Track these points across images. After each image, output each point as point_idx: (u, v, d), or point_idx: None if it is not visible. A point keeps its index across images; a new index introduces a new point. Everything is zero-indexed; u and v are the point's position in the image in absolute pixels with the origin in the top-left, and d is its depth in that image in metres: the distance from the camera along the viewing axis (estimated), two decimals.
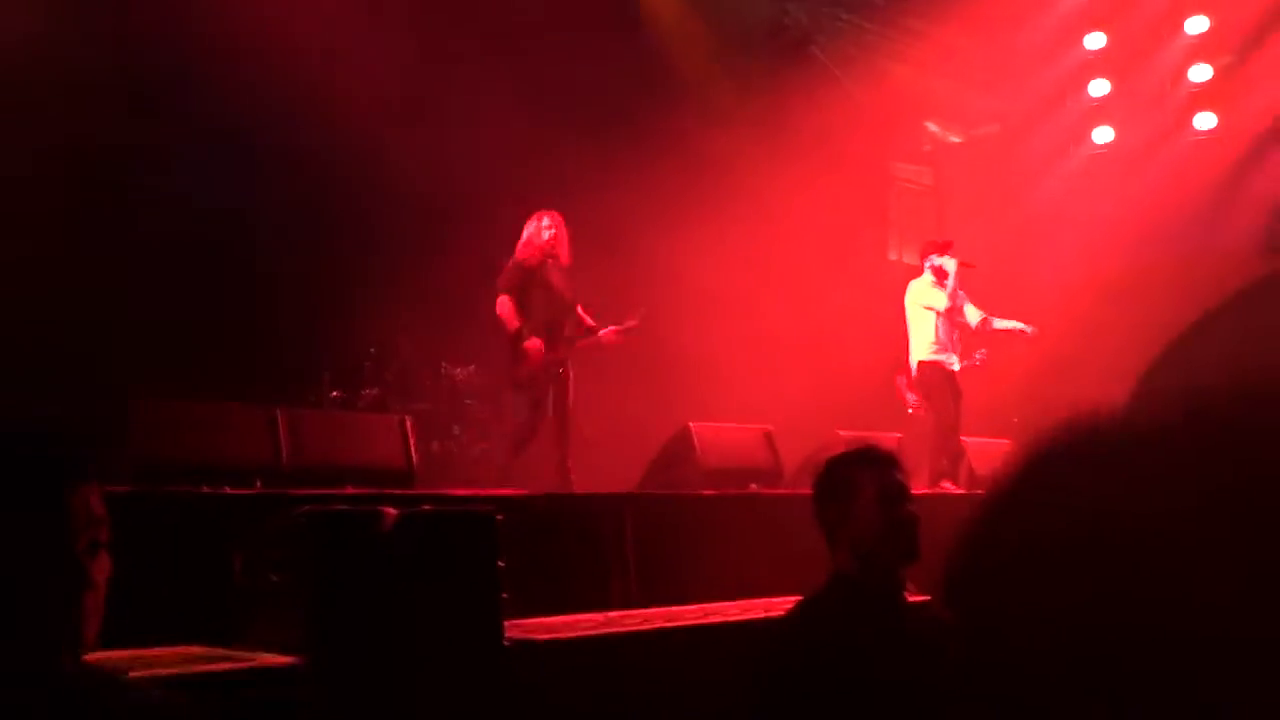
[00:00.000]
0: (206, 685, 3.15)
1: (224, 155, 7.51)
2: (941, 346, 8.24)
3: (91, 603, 1.56)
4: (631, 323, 7.22)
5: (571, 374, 7.10)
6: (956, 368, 8.32)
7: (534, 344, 6.98)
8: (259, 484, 4.67)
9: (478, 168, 8.48)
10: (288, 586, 3.80)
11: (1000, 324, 8.56)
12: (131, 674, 3.03)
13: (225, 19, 7.33)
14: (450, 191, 8.41)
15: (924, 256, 8.48)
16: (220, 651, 3.58)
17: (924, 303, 8.25)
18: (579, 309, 7.29)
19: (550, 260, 7.15)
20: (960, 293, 8.34)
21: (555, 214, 7.27)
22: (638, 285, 7.61)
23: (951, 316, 8.28)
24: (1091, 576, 0.55)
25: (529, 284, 7.13)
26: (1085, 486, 0.58)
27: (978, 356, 8.76)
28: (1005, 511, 0.62)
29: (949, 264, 8.26)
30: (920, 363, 8.28)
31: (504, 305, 7.10)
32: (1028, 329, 8.48)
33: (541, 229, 7.18)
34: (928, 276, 8.36)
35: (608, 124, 8.99)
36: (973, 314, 8.47)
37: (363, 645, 3.66)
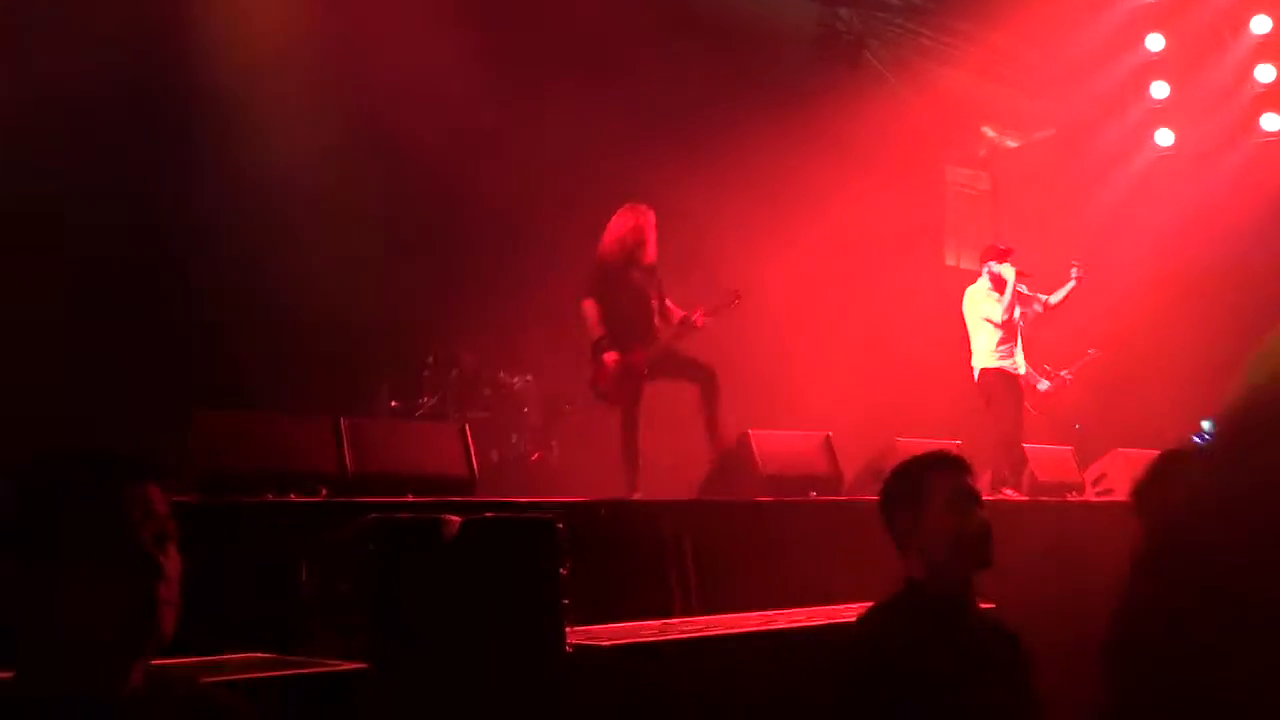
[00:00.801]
0: (273, 690, 3.18)
1: (280, 163, 7.59)
2: (1003, 353, 8.16)
3: (165, 594, 1.58)
4: (720, 302, 7.20)
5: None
6: (1021, 372, 8.25)
7: (610, 357, 6.99)
8: (324, 492, 4.71)
9: (537, 175, 8.52)
10: (353, 594, 3.83)
11: (1056, 298, 8.53)
12: (201, 679, 3.07)
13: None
14: (509, 199, 8.46)
15: (983, 261, 8.40)
16: (287, 659, 3.61)
17: (982, 314, 8.18)
18: (667, 303, 7.22)
19: (633, 259, 7.09)
20: (1018, 305, 8.26)
21: (641, 208, 7.18)
22: (696, 291, 7.59)
23: (1011, 325, 8.19)
24: None
25: (611, 287, 7.09)
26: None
27: (1064, 375, 8.81)
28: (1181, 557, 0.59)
29: (1008, 272, 8.17)
30: (982, 370, 8.20)
31: (587, 311, 7.10)
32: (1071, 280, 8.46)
33: (625, 225, 7.12)
34: (984, 283, 8.28)
35: (670, 130, 9.00)
36: (1036, 307, 8.45)
37: (427, 651, 3.68)
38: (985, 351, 8.18)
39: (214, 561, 4.07)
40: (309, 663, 3.52)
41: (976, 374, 8.25)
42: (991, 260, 8.30)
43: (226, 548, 4.19)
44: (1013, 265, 8.21)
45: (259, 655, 3.65)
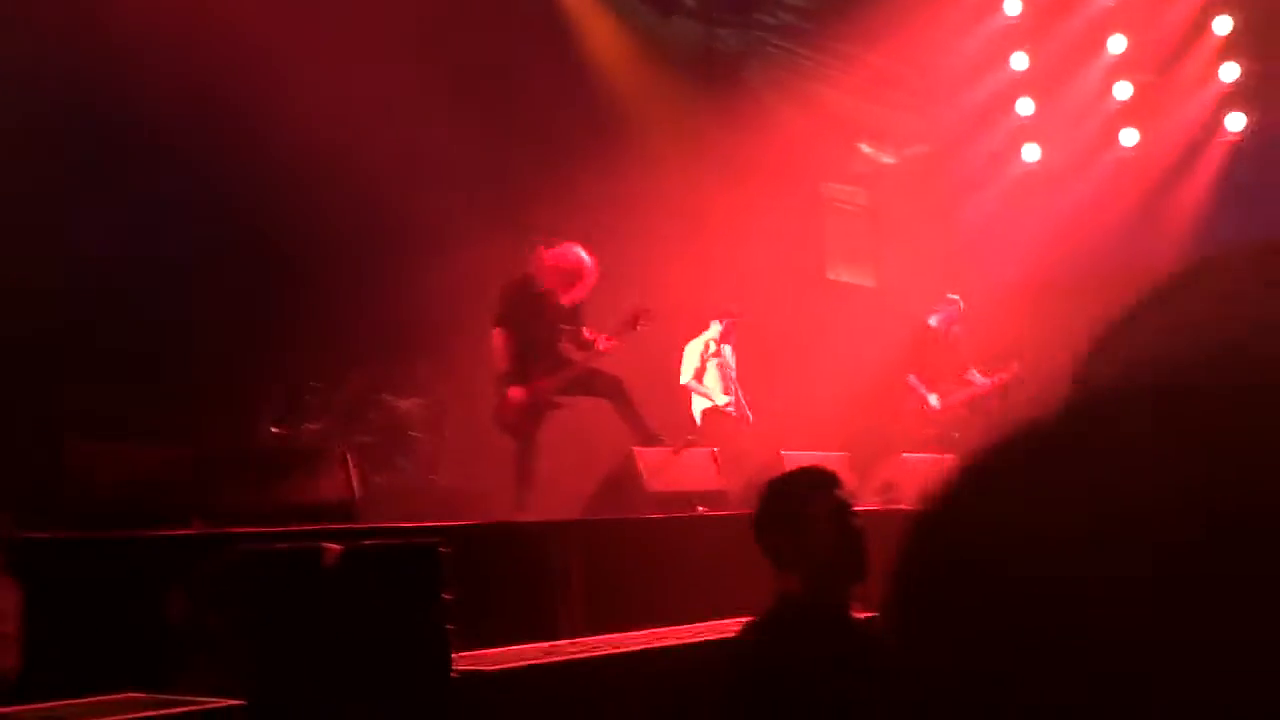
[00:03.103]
0: None
1: (154, 184, 7.40)
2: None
3: (5, 627, 1.53)
4: (624, 323, 7.29)
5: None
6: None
7: (515, 393, 7.05)
8: (197, 523, 4.58)
9: (424, 198, 8.44)
10: (228, 628, 3.73)
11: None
12: None
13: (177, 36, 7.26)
14: (398, 221, 8.36)
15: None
16: (161, 697, 3.50)
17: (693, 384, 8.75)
18: (582, 330, 7.29)
19: (558, 294, 7.16)
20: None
21: (584, 259, 7.26)
22: (593, 311, 7.62)
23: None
24: (1032, 595, 0.54)
25: (522, 315, 7.13)
26: (1022, 498, 0.57)
27: (979, 378, 9.18)
28: (936, 530, 0.61)
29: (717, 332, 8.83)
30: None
31: (496, 340, 7.15)
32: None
33: (571, 267, 7.18)
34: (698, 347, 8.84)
35: (553, 152, 9.01)
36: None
37: (309, 684, 3.61)
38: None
39: (84, 598, 3.94)
40: (183, 701, 3.42)
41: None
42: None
43: (97, 583, 4.05)
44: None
45: (132, 695, 3.54)
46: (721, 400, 8.67)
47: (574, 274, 7.16)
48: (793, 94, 11.25)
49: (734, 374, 8.81)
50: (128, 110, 7.24)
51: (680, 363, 8.79)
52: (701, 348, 8.72)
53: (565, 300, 7.18)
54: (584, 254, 7.27)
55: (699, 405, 8.65)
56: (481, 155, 8.68)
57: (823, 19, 11.18)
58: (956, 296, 9.78)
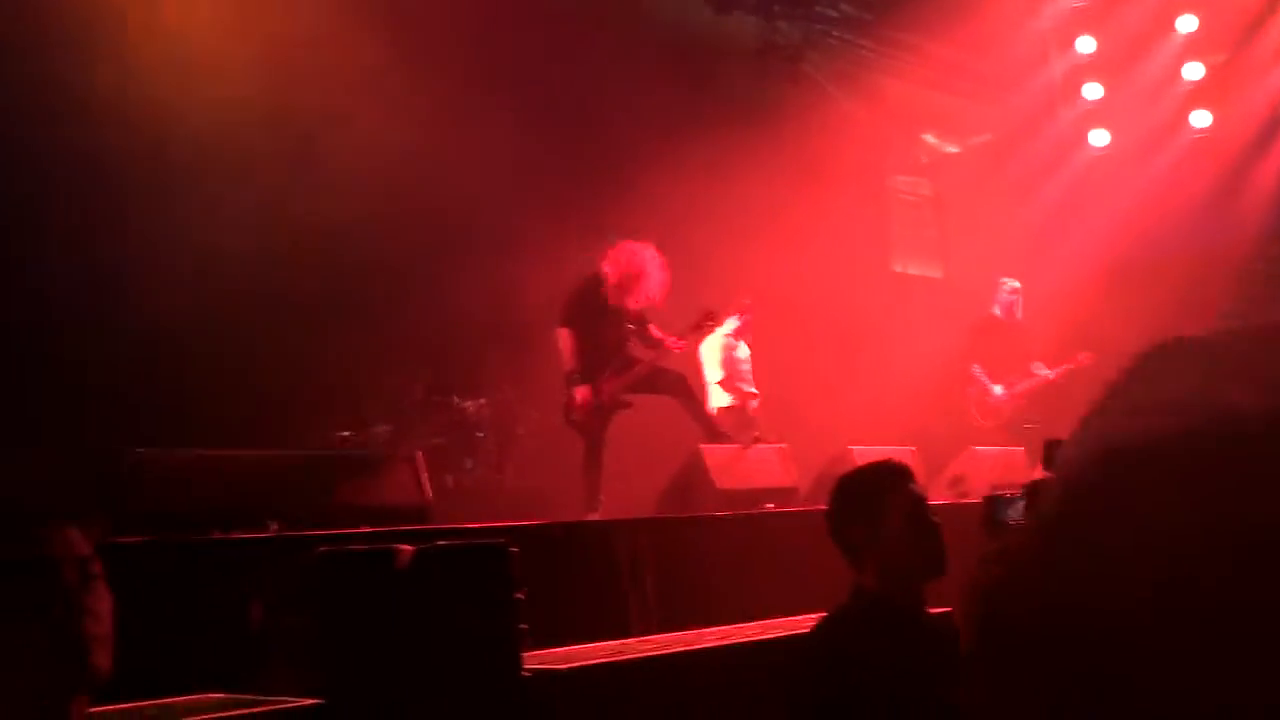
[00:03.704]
0: None
1: (221, 196, 7.53)
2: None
3: (92, 629, 1.58)
4: (695, 323, 7.36)
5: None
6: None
7: (582, 393, 7.07)
8: (274, 527, 4.66)
9: (490, 199, 8.51)
10: (306, 629, 3.79)
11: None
12: None
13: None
14: (462, 223, 8.45)
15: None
16: (241, 697, 3.56)
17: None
18: (651, 329, 7.29)
19: (623, 293, 7.18)
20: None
21: (644, 247, 7.27)
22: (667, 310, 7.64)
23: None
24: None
25: (588, 314, 7.16)
26: (1084, 555, 0.57)
27: (1046, 372, 9.02)
28: (1013, 590, 0.61)
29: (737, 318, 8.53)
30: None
31: (562, 340, 7.17)
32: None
33: (631, 263, 7.20)
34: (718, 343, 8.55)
35: (617, 151, 9.03)
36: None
37: (383, 684, 3.65)
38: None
39: (163, 602, 4.02)
40: (263, 701, 3.48)
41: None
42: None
43: (175, 587, 4.14)
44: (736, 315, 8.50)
45: (213, 696, 3.61)
46: (728, 399, 8.43)
47: (637, 274, 7.17)
48: (854, 86, 11.16)
49: (747, 369, 8.58)
50: (201, 119, 7.38)
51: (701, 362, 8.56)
52: (721, 344, 8.51)
53: (630, 302, 7.19)
54: (649, 254, 7.26)
55: (717, 401, 8.46)
56: (547, 155, 8.72)
57: (882, 9, 11.07)
58: (1016, 282, 9.63)
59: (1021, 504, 3.43)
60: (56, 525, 1.62)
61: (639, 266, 7.19)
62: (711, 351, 8.51)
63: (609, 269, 7.22)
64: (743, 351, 8.59)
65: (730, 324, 8.47)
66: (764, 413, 8.42)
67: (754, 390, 8.53)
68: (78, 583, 1.59)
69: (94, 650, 1.58)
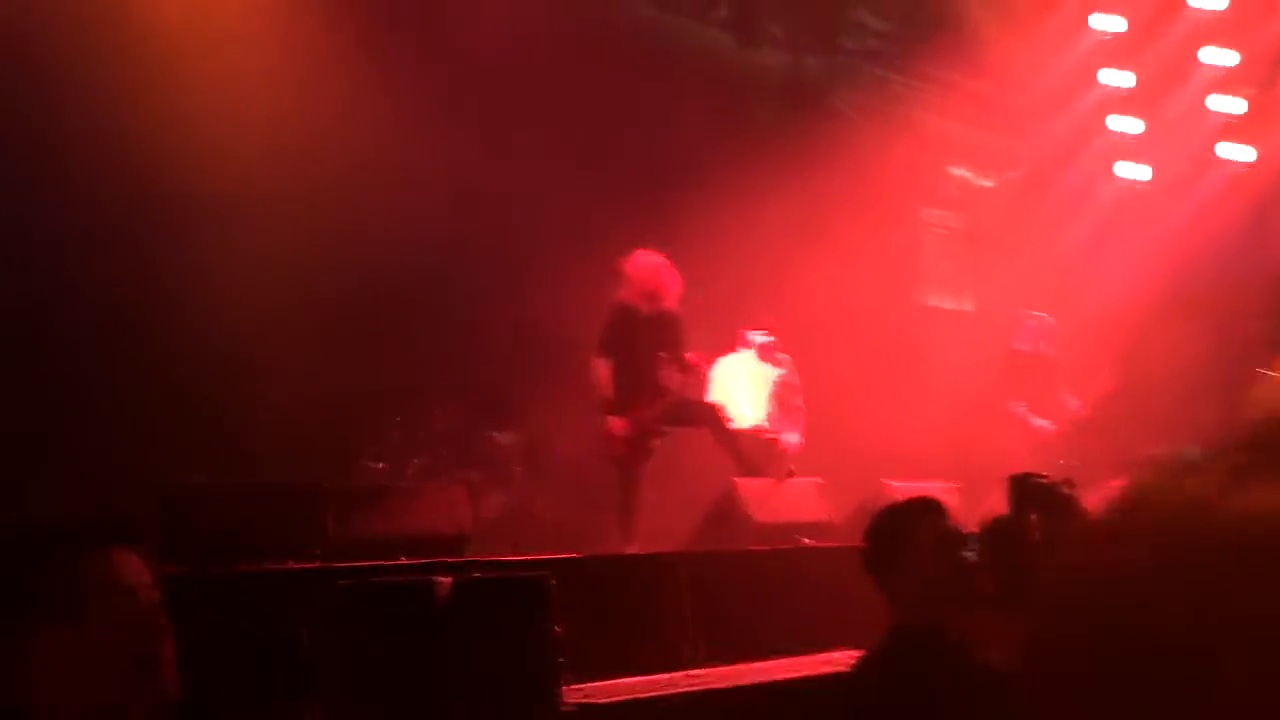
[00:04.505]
0: None
1: (247, 231, 7.59)
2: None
3: (169, 651, 1.61)
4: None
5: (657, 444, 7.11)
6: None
7: (617, 425, 6.97)
8: (315, 559, 4.69)
9: (516, 231, 8.56)
10: (344, 659, 3.81)
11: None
12: None
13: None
14: (490, 254, 8.49)
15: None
16: None
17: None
18: (684, 356, 7.20)
19: (649, 308, 7.09)
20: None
21: (650, 255, 7.24)
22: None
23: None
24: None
25: (621, 342, 7.10)
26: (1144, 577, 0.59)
27: (1073, 403, 8.88)
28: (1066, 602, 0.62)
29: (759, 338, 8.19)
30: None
31: (597, 370, 7.11)
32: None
33: (643, 273, 7.16)
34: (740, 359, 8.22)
35: (646, 184, 9.07)
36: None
37: (422, 714, 3.66)
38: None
39: (207, 632, 4.06)
40: None
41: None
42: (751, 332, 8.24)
43: (220, 618, 4.17)
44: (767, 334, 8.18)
45: None
46: (748, 421, 8.01)
47: (654, 278, 7.12)
48: (883, 119, 11.18)
49: (773, 391, 8.13)
50: (234, 143, 7.47)
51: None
52: (735, 366, 8.15)
53: (653, 309, 7.09)
54: (661, 260, 7.22)
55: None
56: (578, 188, 8.77)
57: (910, 43, 11.12)
58: (1040, 313, 9.59)
59: (977, 542, 3.42)
60: (121, 549, 1.66)
61: (652, 269, 7.15)
62: (722, 375, 8.11)
63: (628, 285, 7.18)
64: (765, 374, 8.19)
65: (751, 346, 8.14)
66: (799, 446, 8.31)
67: (763, 415, 8.12)
68: (144, 605, 1.62)
69: (162, 672, 1.61)
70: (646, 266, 7.19)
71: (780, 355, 8.19)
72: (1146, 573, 0.59)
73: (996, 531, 3.39)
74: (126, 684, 1.58)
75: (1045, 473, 2.97)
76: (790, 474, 7.20)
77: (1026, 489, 2.92)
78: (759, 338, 8.09)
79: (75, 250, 6.92)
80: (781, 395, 8.13)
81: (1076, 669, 0.59)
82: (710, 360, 7.26)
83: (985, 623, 3.05)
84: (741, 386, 8.09)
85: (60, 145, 6.89)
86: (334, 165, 7.78)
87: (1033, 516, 2.88)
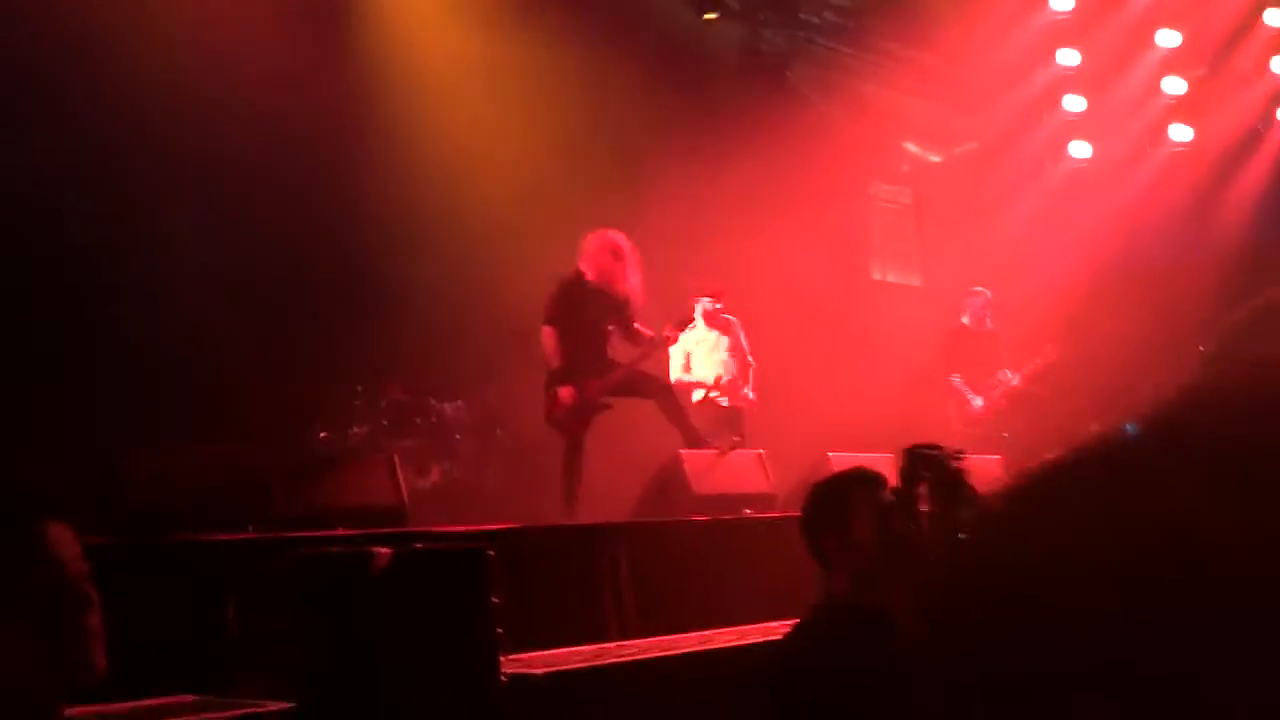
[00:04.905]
0: None
1: (199, 196, 7.51)
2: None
3: (86, 625, 1.58)
4: (685, 317, 7.50)
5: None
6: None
7: (566, 392, 7.04)
8: (250, 529, 4.65)
9: (469, 201, 8.49)
10: (281, 631, 3.78)
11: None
12: None
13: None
14: (442, 228, 8.43)
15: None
16: (216, 700, 3.55)
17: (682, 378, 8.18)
18: (636, 326, 7.31)
19: (603, 286, 7.20)
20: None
21: (612, 235, 7.30)
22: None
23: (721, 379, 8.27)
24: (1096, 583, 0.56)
25: (572, 313, 7.15)
26: (1053, 527, 0.59)
27: (1010, 378, 9.01)
28: (977, 548, 0.63)
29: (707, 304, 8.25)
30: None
31: (546, 338, 7.14)
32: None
33: (602, 252, 7.22)
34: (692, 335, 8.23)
35: (599, 153, 9.03)
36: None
37: (359, 688, 3.64)
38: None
39: (139, 601, 4.00)
40: (239, 704, 3.47)
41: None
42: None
43: (153, 587, 4.12)
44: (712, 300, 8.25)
45: (186, 698, 3.60)
46: (704, 386, 8.20)
47: (611, 253, 7.20)
48: (837, 93, 11.20)
49: (727, 354, 8.27)
50: (197, 122, 7.38)
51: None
52: (687, 334, 8.11)
53: (618, 287, 7.19)
54: (621, 239, 7.31)
55: (695, 395, 8.22)
56: (526, 157, 8.72)
57: (867, 17, 11.11)
58: (983, 289, 9.71)
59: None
60: (47, 523, 1.62)
61: (609, 243, 7.25)
62: (676, 350, 8.15)
63: (588, 260, 7.24)
64: (717, 339, 8.29)
65: (698, 311, 8.17)
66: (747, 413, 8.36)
67: (723, 377, 8.24)
68: (71, 580, 1.59)
69: (89, 647, 1.58)
70: (602, 242, 7.23)
71: (728, 317, 8.37)
72: (1054, 547, 0.59)
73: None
74: (53, 657, 1.55)
75: (942, 445, 2.97)
76: (735, 445, 7.24)
77: (916, 461, 2.92)
78: (707, 304, 8.21)
79: (24, 218, 6.80)
80: (735, 357, 8.34)
81: (981, 640, 0.59)
82: (679, 332, 7.33)
83: (874, 593, 3.07)
84: (696, 353, 8.24)
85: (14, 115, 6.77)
86: (287, 137, 7.69)
87: (921, 489, 2.88)
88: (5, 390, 6.43)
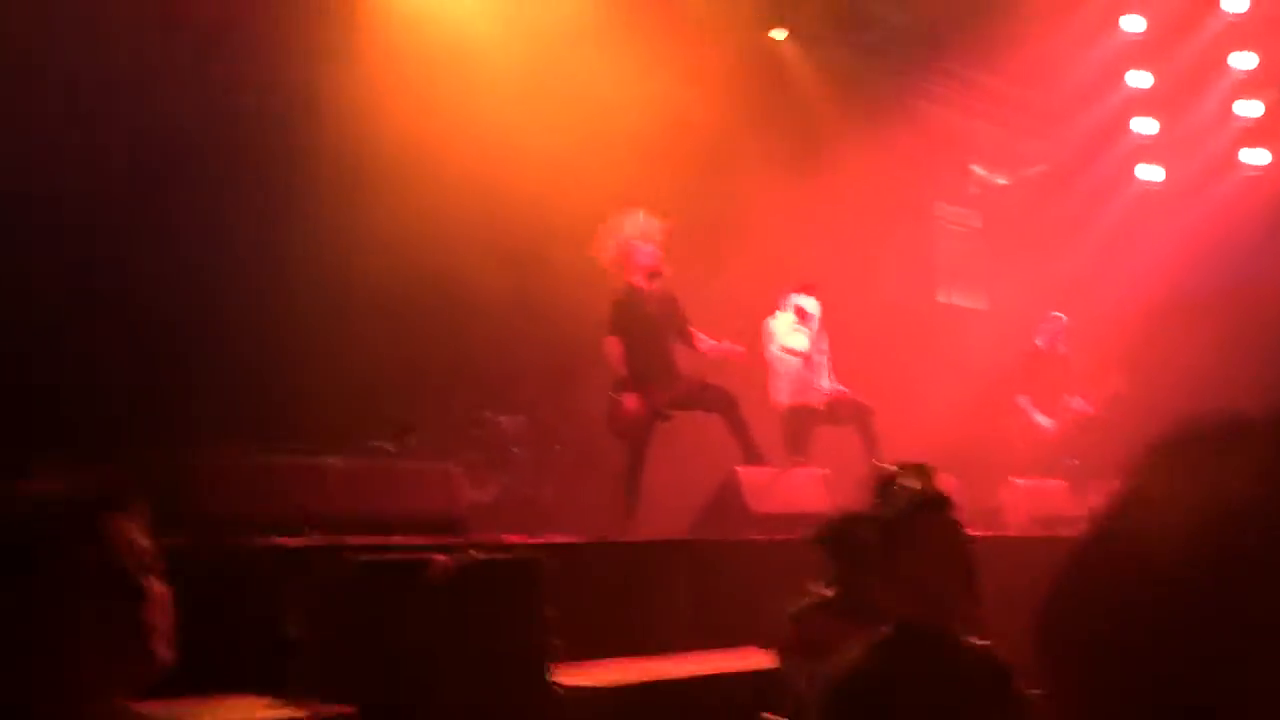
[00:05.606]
0: None
1: (273, 205, 7.61)
2: (805, 385, 7.96)
3: (153, 615, 1.59)
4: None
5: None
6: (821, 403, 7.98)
7: (631, 400, 6.98)
8: (311, 534, 4.69)
9: (527, 211, 8.52)
10: (338, 635, 3.81)
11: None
12: None
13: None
14: (500, 238, 8.46)
15: (790, 293, 8.17)
16: (276, 701, 3.59)
17: (784, 344, 7.98)
18: (690, 330, 7.23)
19: (650, 285, 7.09)
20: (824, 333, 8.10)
21: (619, 223, 7.26)
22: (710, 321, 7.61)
23: (812, 358, 8.01)
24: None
25: (632, 322, 7.08)
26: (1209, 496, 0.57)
27: (1079, 404, 8.89)
28: (1108, 546, 0.61)
29: (810, 304, 8.02)
30: (789, 408, 7.92)
31: (611, 348, 7.10)
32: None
33: (638, 246, 7.14)
34: (789, 316, 8.09)
35: (665, 168, 9.02)
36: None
37: (413, 693, 3.65)
38: (784, 389, 7.94)
39: (202, 604, 4.05)
40: (298, 706, 3.50)
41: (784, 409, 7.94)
42: (794, 294, 8.09)
43: (215, 590, 4.17)
44: (817, 297, 8.04)
45: (246, 698, 3.63)
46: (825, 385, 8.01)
47: (624, 246, 7.12)
48: (905, 115, 11.13)
49: (824, 352, 8.08)
50: (257, 118, 7.49)
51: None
52: (790, 321, 8.01)
53: (638, 279, 7.09)
54: (628, 221, 7.23)
55: (781, 392, 8.01)
56: (585, 172, 8.73)
57: (934, 39, 11.05)
58: (1060, 314, 9.58)
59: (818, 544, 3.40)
60: (116, 518, 1.64)
61: (620, 236, 7.17)
62: (782, 328, 7.97)
63: (623, 254, 7.19)
64: (815, 333, 8.01)
65: (795, 303, 7.97)
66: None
67: (827, 386, 8.02)
68: (140, 572, 1.61)
69: (155, 639, 1.59)
70: (620, 244, 7.16)
71: (813, 312, 8.10)
72: (1156, 572, 0.57)
73: (835, 531, 3.36)
74: (106, 649, 1.57)
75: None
76: (795, 464, 7.17)
77: (880, 483, 2.81)
78: (800, 299, 8.01)
79: (74, 221, 6.92)
80: (826, 351, 8.13)
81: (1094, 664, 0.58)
82: (738, 346, 7.23)
83: (824, 626, 3.00)
84: (789, 341, 8.02)
85: (57, 112, 6.90)
86: (363, 144, 7.79)
87: (875, 515, 2.78)
88: (77, 387, 6.56)
